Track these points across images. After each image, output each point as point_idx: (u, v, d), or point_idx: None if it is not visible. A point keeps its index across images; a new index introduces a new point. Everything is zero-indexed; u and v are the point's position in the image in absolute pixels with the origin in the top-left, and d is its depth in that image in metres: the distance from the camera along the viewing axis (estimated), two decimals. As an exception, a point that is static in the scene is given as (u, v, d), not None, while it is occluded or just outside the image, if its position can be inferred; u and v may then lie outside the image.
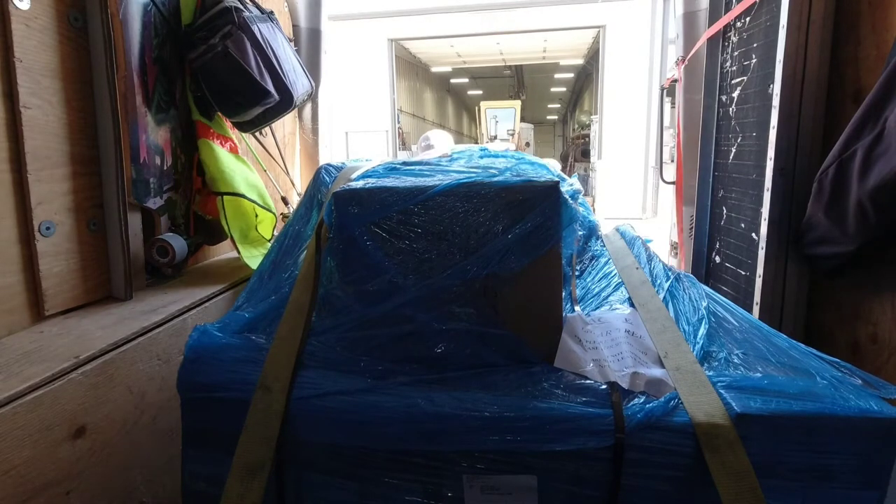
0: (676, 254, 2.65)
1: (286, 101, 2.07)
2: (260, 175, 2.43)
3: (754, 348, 1.06)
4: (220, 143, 1.96)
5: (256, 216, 2.05)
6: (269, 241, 2.10)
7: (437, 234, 1.03)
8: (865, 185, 1.19)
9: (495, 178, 1.06)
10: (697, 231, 2.23)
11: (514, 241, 1.01)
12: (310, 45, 2.75)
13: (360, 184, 1.11)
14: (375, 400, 0.93)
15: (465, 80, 22.51)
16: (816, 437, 0.86)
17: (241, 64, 1.82)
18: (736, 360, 1.02)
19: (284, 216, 2.52)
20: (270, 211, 2.06)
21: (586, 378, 0.97)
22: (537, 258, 1.02)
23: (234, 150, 2.02)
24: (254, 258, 1.95)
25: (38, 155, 1.33)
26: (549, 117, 32.83)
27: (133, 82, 1.60)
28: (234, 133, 2.16)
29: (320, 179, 1.37)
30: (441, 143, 3.05)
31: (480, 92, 24.59)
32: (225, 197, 1.89)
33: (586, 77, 18.75)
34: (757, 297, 1.65)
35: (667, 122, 3.81)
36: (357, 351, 1.04)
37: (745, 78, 1.86)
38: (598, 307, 1.23)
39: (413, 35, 12.55)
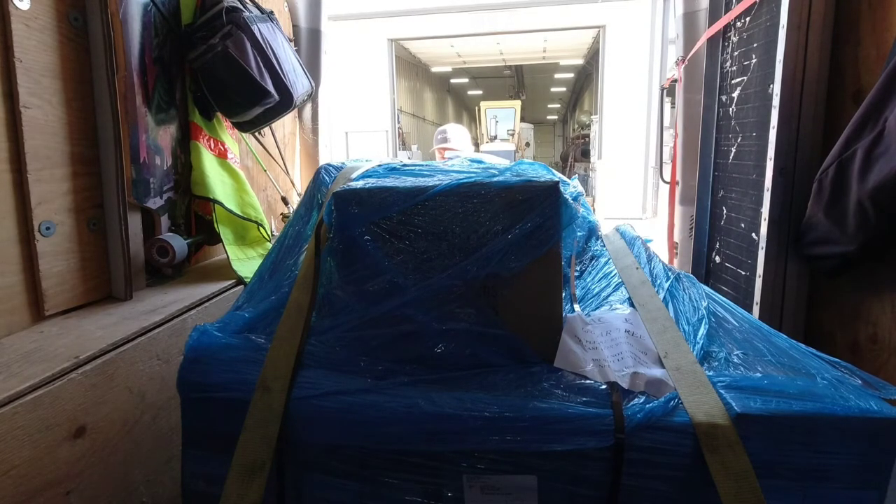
0: (677, 252, 2.65)
1: (286, 101, 2.07)
2: (260, 175, 2.44)
3: (754, 348, 1.06)
4: (211, 146, 1.96)
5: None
6: (270, 241, 2.10)
7: (437, 234, 1.03)
8: (865, 185, 1.19)
9: (495, 179, 1.06)
10: (697, 231, 2.23)
11: (513, 241, 1.00)
12: (310, 45, 2.75)
13: (360, 184, 1.11)
14: (375, 400, 0.93)
15: (465, 80, 22.51)
16: (816, 437, 0.86)
17: (241, 64, 1.82)
18: (736, 360, 1.02)
19: (285, 216, 2.52)
20: (251, 220, 2.04)
21: (586, 378, 0.97)
22: (537, 258, 1.02)
23: (222, 156, 2.02)
24: (243, 262, 1.94)
25: (38, 155, 1.33)
26: (549, 117, 32.83)
27: (133, 82, 1.60)
28: (233, 135, 2.16)
29: (320, 179, 1.36)
30: (457, 137, 3.09)
31: (480, 92, 24.59)
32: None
33: (586, 77, 18.75)
34: (757, 297, 1.65)
35: (667, 122, 3.82)
36: (357, 351, 1.03)
37: (745, 78, 1.86)
38: (598, 307, 1.23)
39: (413, 35, 12.55)
